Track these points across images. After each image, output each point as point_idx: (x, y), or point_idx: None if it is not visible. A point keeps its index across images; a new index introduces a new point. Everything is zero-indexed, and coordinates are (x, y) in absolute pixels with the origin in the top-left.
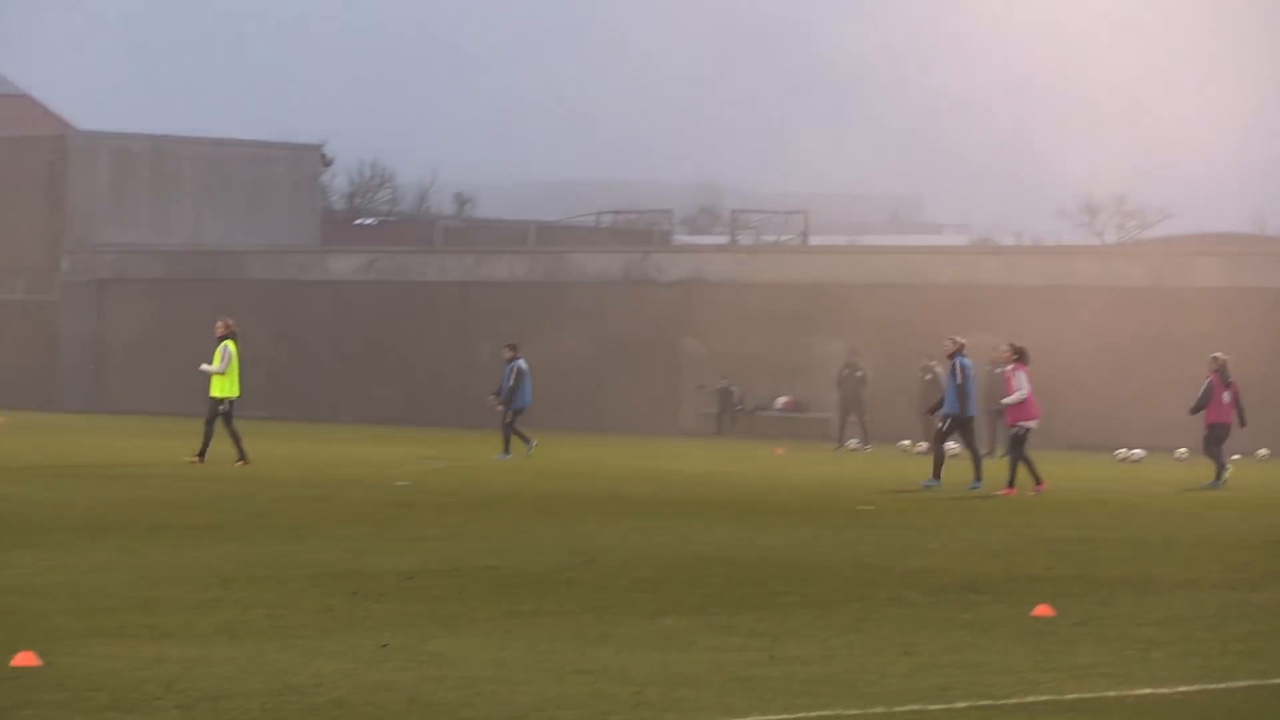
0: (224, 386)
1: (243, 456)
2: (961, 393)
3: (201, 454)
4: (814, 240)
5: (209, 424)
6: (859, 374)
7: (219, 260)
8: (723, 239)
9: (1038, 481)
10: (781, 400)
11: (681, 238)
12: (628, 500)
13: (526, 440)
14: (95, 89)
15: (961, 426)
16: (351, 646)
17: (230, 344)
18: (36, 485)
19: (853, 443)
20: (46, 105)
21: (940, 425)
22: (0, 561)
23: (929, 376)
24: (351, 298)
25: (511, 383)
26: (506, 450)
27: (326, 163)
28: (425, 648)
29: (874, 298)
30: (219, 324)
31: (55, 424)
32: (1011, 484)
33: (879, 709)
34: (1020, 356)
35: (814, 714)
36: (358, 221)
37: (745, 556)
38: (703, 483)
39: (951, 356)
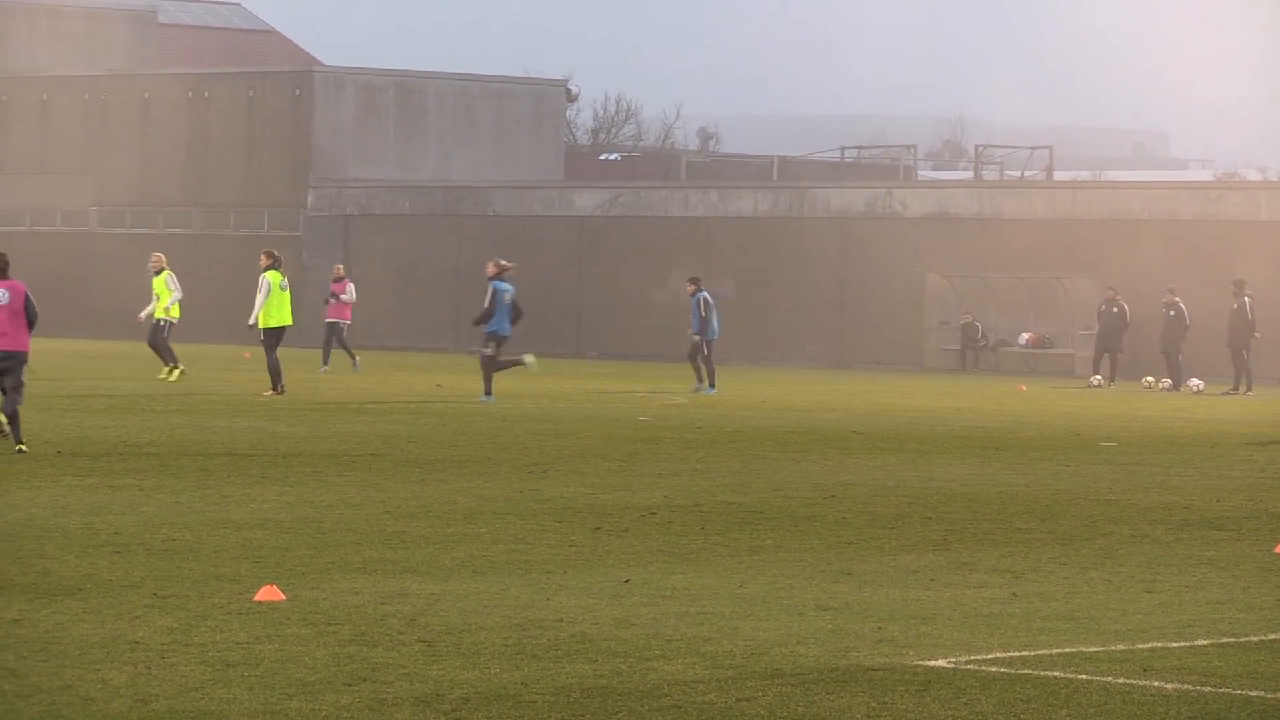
0: (265, 318)
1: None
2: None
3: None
4: (1058, 175)
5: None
6: (1116, 310)
7: (463, 196)
8: (967, 174)
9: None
10: (1025, 336)
11: (925, 173)
12: (869, 436)
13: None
14: (341, 24)
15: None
16: (593, 581)
17: (271, 275)
18: (281, 420)
19: (1096, 379)
20: (294, 40)
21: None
22: (245, 495)
23: (1172, 312)
24: (595, 233)
25: (702, 314)
26: (705, 382)
27: (571, 98)
28: (667, 583)
29: (1118, 233)
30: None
31: (296, 359)
32: None
33: (1120, 646)
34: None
35: (1055, 651)
36: (602, 157)
37: (987, 493)
38: (945, 419)
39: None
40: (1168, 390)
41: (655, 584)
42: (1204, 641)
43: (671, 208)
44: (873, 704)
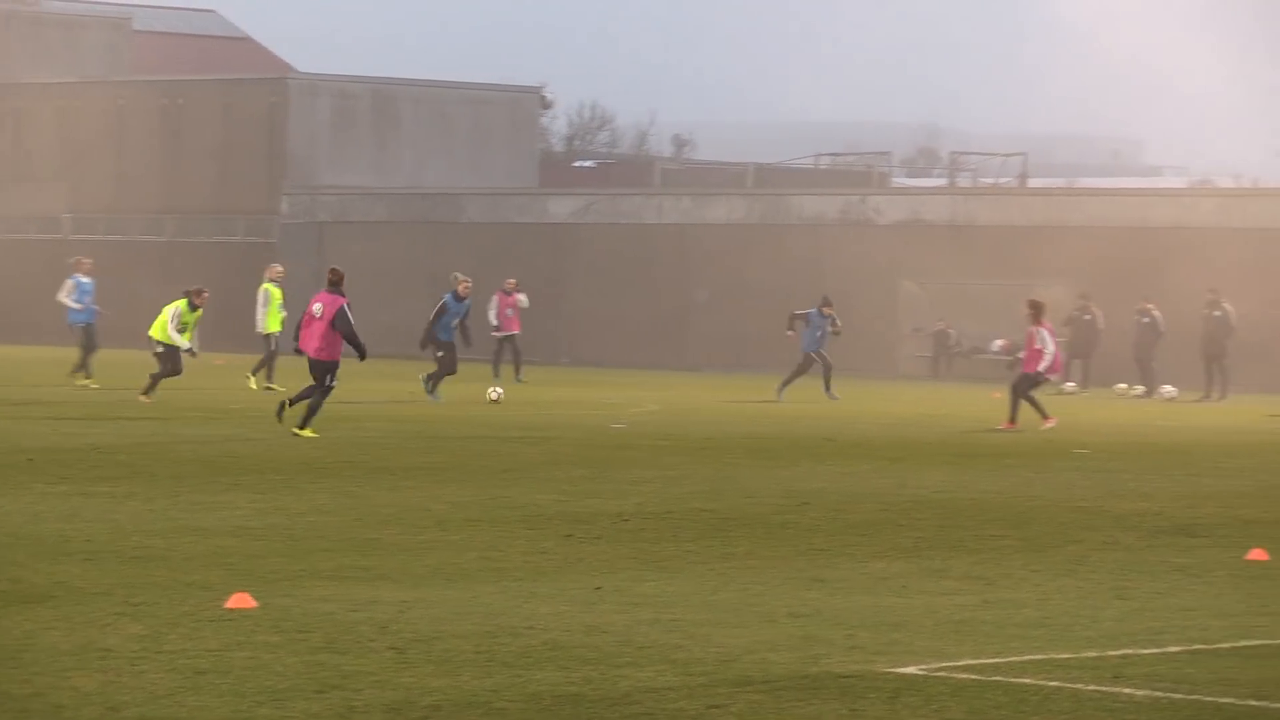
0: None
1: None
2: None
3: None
4: (1033, 182)
5: None
6: (1087, 317)
7: (438, 203)
8: (941, 181)
9: (1012, 421)
10: (998, 343)
11: (900, 179)
12: (842, 443)
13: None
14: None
15: None
16: (565, 588)
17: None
18: (253, 427)
19: (1069, 385)
20: (268, 48)
21: None
22: (216, 503)
23: (1146, 320)
24: (569, 240)
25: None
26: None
27: (546, 105)
28: (638, 590)
29: (1092, 240)
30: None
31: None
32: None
33: (1091, 653)
34: (1039, 313)
35: (1026, 658)
36: (576, 163)
37: (959, 500)
38: (917, 426)
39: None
40: (1141, 397)
41: (627, 591)
42: (1175, 648)
43: (646, 215)
44: (843, 711)
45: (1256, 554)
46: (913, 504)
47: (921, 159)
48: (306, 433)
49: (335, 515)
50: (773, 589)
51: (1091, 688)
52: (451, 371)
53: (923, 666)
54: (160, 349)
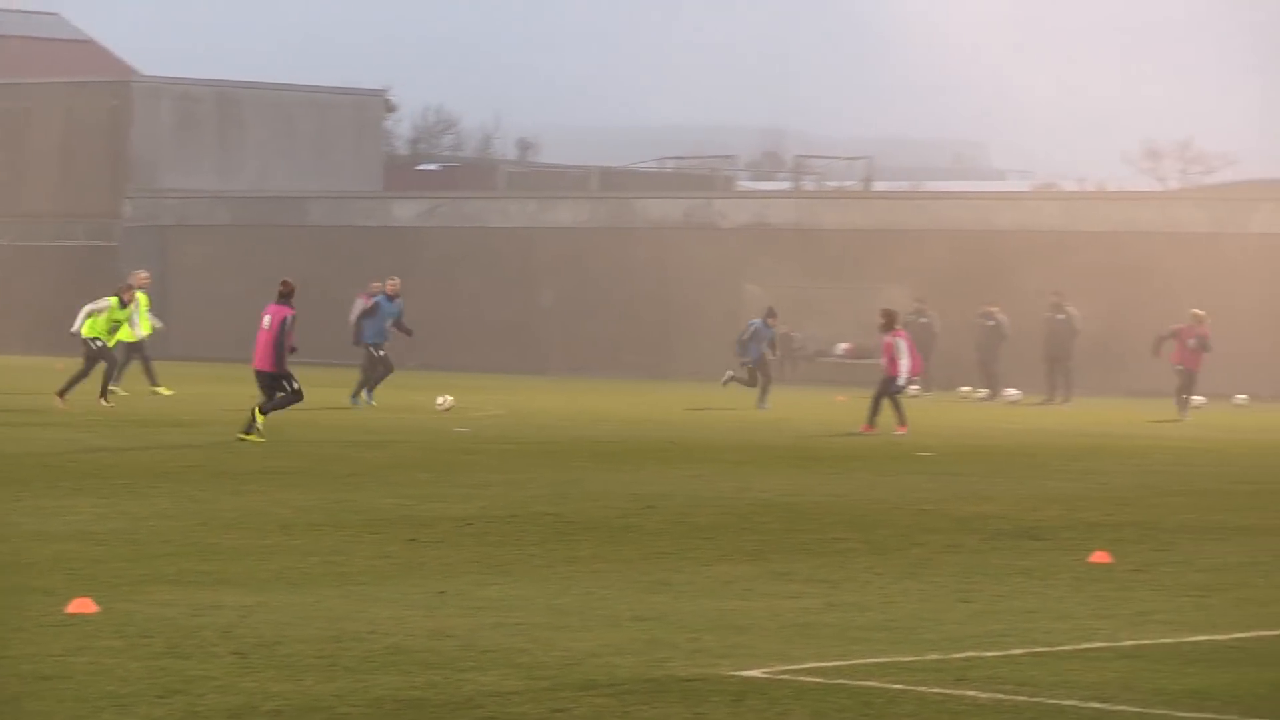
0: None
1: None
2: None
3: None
4: (877, 185)
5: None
6: (924, 320)
7: (282, 206)
8: (786, 184)
9: (901, 423)
10: (842, 346)
11: (745, 183)
12: (686, 446)
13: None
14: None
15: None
16: (408, 593)
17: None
18: (97, 432)
19: (913, 389)
20: (111, 51)
21: None
22: (59, 508)
23: (990, 323)
24: (414, 244)
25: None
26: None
27: (390, 108)
28: (482, 594)
29: (936, 243)
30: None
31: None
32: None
33: (934, 656)
34: (891, 321)
35: (870, 660)
36: (421, 167)
37: (803, 503)
38: (762, 429)
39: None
40: (984, 400)
41: (470, 595)
42: (1018, 651)
43: (490, 218)
44: (687, 714)
45: (1099, 557)
46: (756, 507)
47: (766, 162)
48: (252, 437)
49: (178, 520)
50: (617, 593)
51: (935, 690)
52: (389, 371)
53: (766, 670)
54: (98, 343)
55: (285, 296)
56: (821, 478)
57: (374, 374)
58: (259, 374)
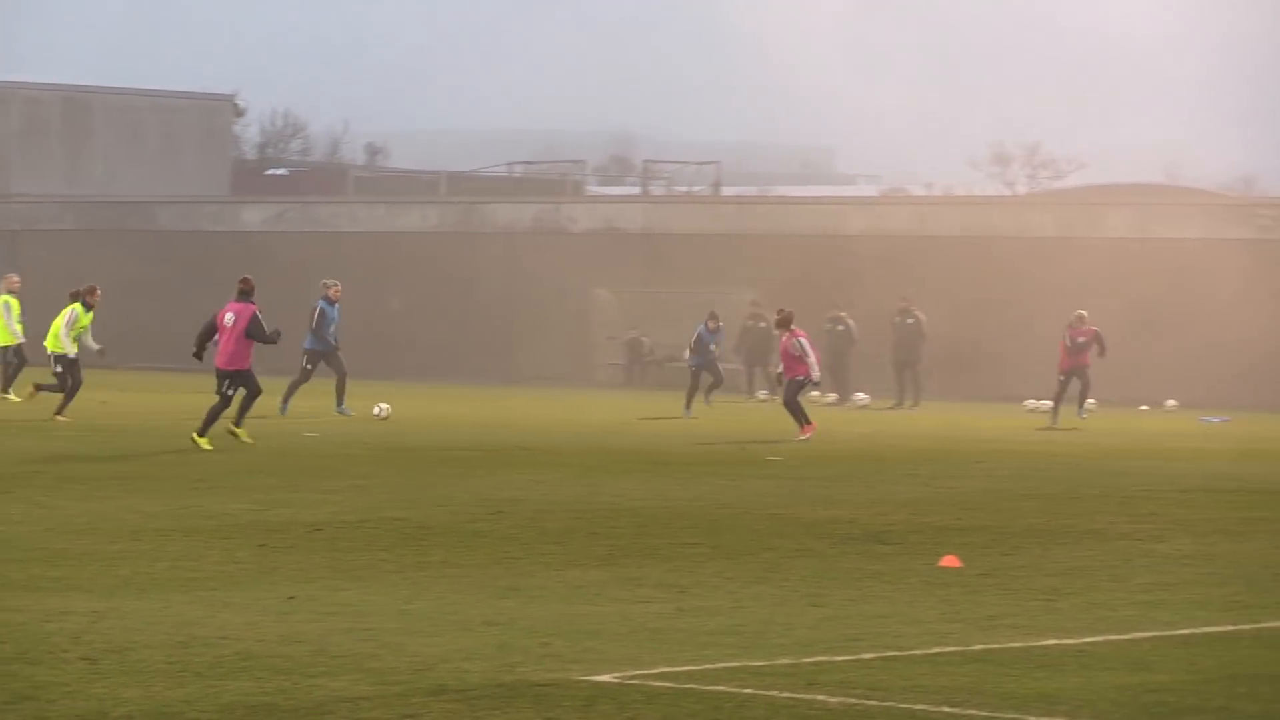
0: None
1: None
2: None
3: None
4: (726, 190)
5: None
6: (762, 325)
7: (131, 211)
8: (635, 189)
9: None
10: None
11: (593, 188)
12: (536, 451)
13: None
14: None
15: None
16: (258, 598)
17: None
18: None
19: (762, 394)
20: None
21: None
22: None
23: (840, 328)
24: (263, 248)
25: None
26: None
27: (238, 113)
28: (332, 599)
29: (785, 248)
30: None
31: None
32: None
33: (785, 660)
34: (787, 323)
35: (721, 665)
36: (269, 171)
37: (653, 508)
38: (612, 434)
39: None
40: (834, 405)
41: (321, 600)
42: (869, 655)
43: (340, 223)
44: (538, 719)
45: (949, 561)
46: (607, 512)
47: (615, 167)
48: (241, 434)
49: (26, 525)
50: (468, 598)
51: (785, 695)
52: (305, 380)
53: (617, 674)
54: (59, 368)
55: (246, 294)
56: (672, 483)
57: (340, 383)
58: (220, 372)
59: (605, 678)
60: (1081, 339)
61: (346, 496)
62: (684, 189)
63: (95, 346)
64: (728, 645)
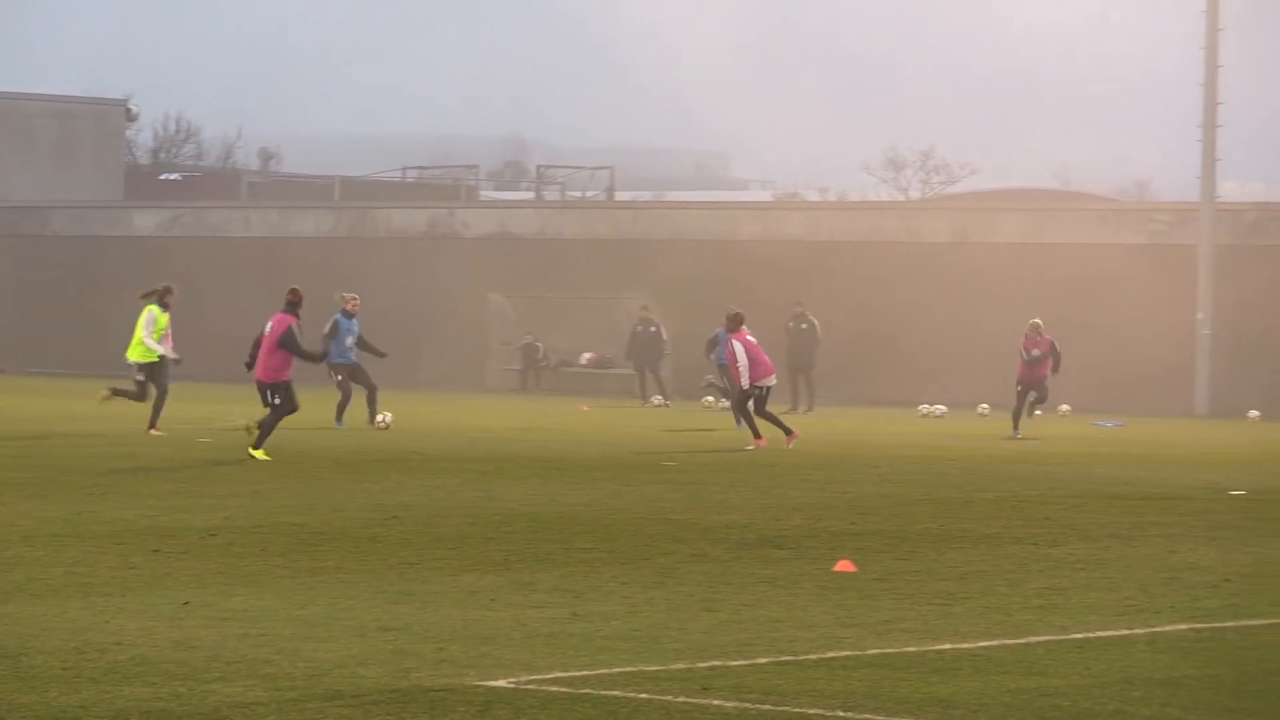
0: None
1: None
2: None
3: None
4: (620, 195)
5: None
6: (653, 329)
7: (23, 216)
8: (528, 194)
9: (788, 432)
10: (586, 356)
11: (487, 193)
12: (430, 456)
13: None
14: None
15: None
16: (153, 604)
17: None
18: None
19: (656, 399)
20: None
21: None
22: None
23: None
24: (156, 253)
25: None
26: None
27: (131, 118)
28: (227, 605)
29: (679, 253)
30: None
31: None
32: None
33: (680, 665)
34: (735, 324)
35: (616, 670)
36: (163, 176)
37: (548, 513)
38: (506, 439)
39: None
40: (727, 410)
41: (215, 606)
42: (763, 660)
43: (233, 228)
44: None
45: (844, 565)
46: (501, 517)
47: (509, 172)
48: (259, 454)
49: None
50: (362, 603)
51: (681, 699)
52: (353, 394)
53: (512, 679)
54: (140, 375)
55: (291, 305)
56: (566, 487)
57: (343, 398)
58: (259, 384)
59: (500, 683)
60: (1037, 351)
61: (242, 502)
62: (578, 194)
63: (173, 356)
64: (623, 650)
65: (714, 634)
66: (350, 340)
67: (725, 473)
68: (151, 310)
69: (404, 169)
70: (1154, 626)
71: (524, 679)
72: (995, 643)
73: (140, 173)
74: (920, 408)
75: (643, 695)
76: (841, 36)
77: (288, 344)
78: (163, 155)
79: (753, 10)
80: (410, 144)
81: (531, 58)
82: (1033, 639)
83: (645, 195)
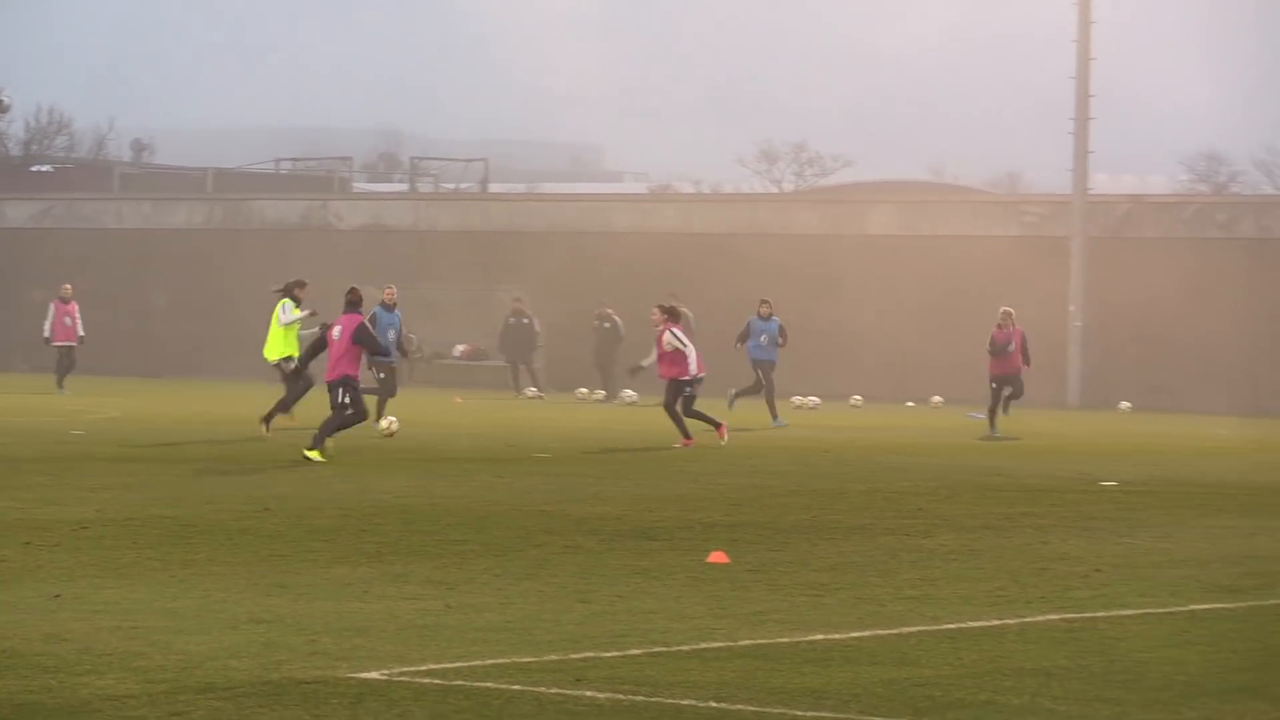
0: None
1: None
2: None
3: None
4: (494, 187)
5: None
6: (525, 321)
7: None
8: (402, 186)
9: (717, 425)
10: (460, 348)
11: (361, 185)
12: (303, 449)
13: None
14: None
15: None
16: (23, 597)
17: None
18: None
19: (530, 390)
20: None
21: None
22: None
23: (608, 325)
24: (28, 245)
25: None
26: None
27: (2, 109)
28: (98, 598)
29: (553, 245)
30: None
31: None
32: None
33: (554, 656)
34: (671, 315)
35: (489, 662)
36: (34, 168)
37: (422, 504)
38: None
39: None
40: (602, 402)
41: (86, 599)
42: (636, 651)
43: (105, 219)
44: (306, 717)
45: (717, 557)
46: (374, 509)
47: (382, 164)
48: (314, 455)
49: None
50: (234, 595)
51: (554, 691)
52: (392, 394)
53: (385, 672)
54: (288, 367)
55: (353, 305)
56: (439, 479)
57: (384, 390)
58: (329, 384)
59: (373, 675)
60: (1011, 345)
61: (114, 495)
62: (452, 186)
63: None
64: (496, 642)
65: (587, 625)
66: (391, 334)
67: (599, 464)
68: (285, 304)
69: (277, 160)
70: (1025, 617)
71: (397, 671)
72: (868, 633)
73: (11, 164)
74: (794, 399)
75: (516, 687)
76: (715, 29)
77: (364, 339)
78: (34, 147)
79: (627, 3)
80: (283, 135)
81: (405, 50)
82: (905, 629)
83: (519, 187)
